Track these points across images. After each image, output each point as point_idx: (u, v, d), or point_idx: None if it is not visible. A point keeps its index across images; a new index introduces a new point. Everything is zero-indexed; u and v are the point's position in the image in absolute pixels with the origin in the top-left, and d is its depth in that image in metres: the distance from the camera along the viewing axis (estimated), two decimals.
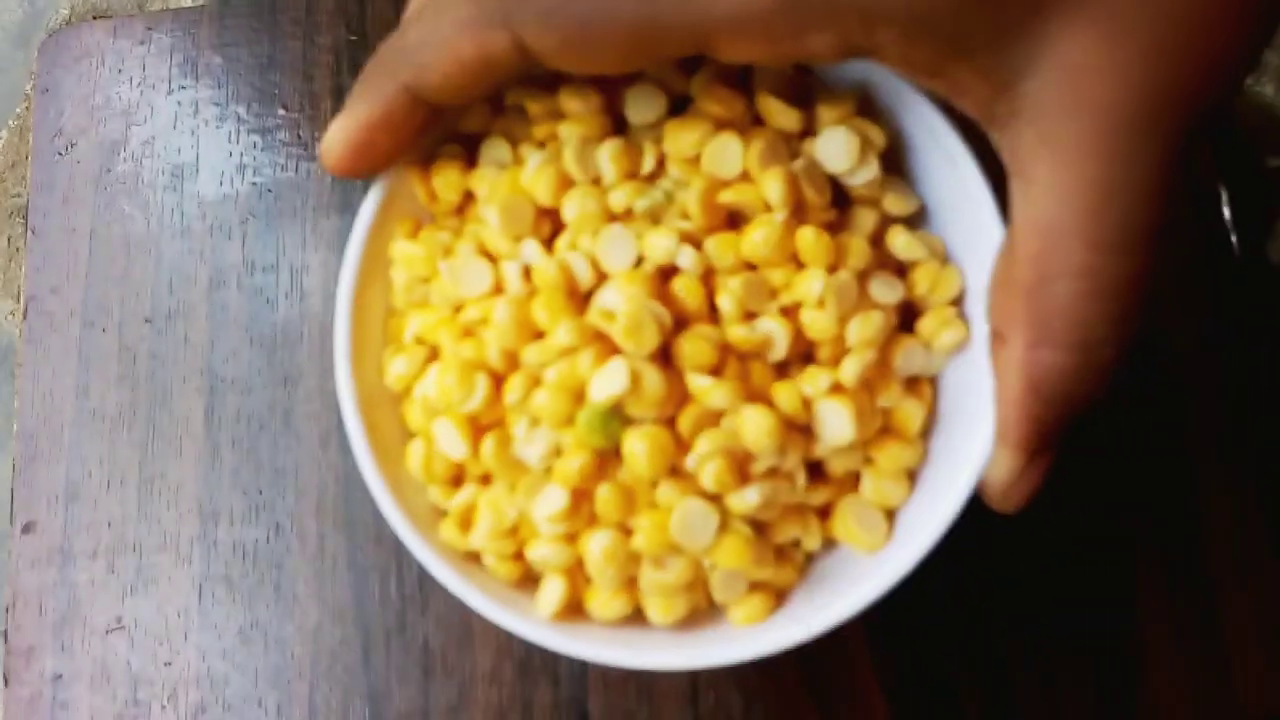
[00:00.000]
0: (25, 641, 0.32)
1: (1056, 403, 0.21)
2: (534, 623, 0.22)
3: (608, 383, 0.21)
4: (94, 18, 0.39)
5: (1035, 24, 0.19)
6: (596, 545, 0.22)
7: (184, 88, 0.37)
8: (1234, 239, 0.34)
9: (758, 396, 0.22)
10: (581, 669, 0.32)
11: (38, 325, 0.35)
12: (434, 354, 0.24)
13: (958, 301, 0.24)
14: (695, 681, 0.31)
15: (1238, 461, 0.33)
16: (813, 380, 0.22)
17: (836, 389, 0.22)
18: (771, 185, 0.22)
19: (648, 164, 0.23)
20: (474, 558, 0.24)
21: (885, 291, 0.23)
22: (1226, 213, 0.35)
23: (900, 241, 0.23)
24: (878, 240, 0.24)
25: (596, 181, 0.23)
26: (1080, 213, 0.19)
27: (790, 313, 0.22)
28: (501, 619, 0.22)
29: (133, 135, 0.37)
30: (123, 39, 0.38)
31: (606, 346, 0.21)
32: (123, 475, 0.34)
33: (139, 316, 0.35)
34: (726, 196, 0.22)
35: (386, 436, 0.24)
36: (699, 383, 0.22)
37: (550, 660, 0.32)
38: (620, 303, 0.21)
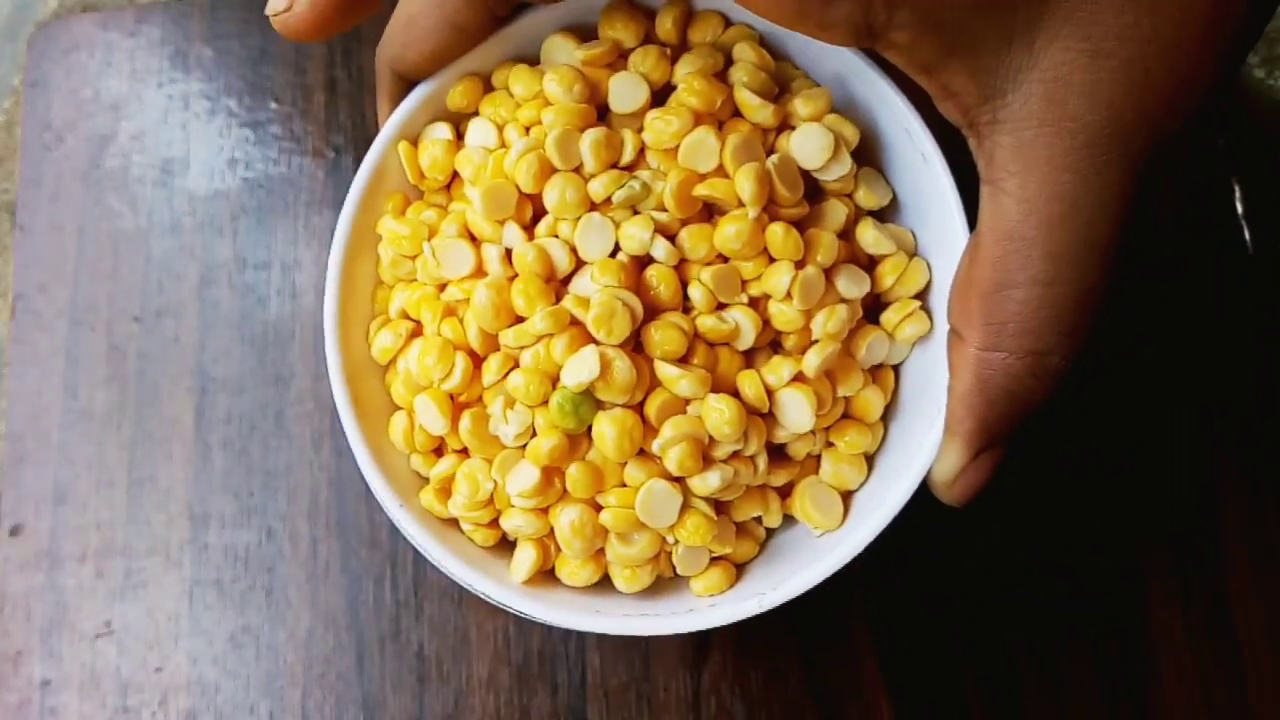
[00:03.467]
0: (13, 647, 0.32)
1: (1002, 403, 0.22)
2: (506, 587, 0.24)
3: (579, 369, 0.22)
4: (83, 10, 0.38)
5: (1030, 37, 0.20)
6: (565, 519, 0.23)
7: (174, 81, 0.36)
8: (1247, 234, 0.34)
9: (724, 384, 0.23)
10: (580, 676, 0.31)
11: (25, 324, 0.34)
12: (418, 328, 0.25)
13: (922, 294, 0.25)
14: (697, 688, 0.30)
15: (1251, 460, 0.33)
16: (776, 370, 0.24)
17: (799, 379, 0.24)
18: (744, 182, 0.23)
19: (627, 154, 0.24)
20: (452, 524, 0.25)
21: (851, 286, 0.24)
22: (1239, 207, 0.34)
23: (869, 237, 0.25)
24: (848, 233, 0.25)
25: (578, 169, 0.24)
26: (1042, 224, 0.20)
27: (759, 303, 0.24)
28: (476, 582, 0.23)
29: (122, 129, 0.36)
30: (112, 31, 0.37)
31: (580, 332, 0.23)
32: (111, 477, 0.33)
33: (128, 315, 0.34)
34: (701, 190, 0.23)
35: (372, 405, 0.25)
36: (667, 371, 0.23)
37: (548, 668, 0.31)
38: (594, 291, 0.23)
